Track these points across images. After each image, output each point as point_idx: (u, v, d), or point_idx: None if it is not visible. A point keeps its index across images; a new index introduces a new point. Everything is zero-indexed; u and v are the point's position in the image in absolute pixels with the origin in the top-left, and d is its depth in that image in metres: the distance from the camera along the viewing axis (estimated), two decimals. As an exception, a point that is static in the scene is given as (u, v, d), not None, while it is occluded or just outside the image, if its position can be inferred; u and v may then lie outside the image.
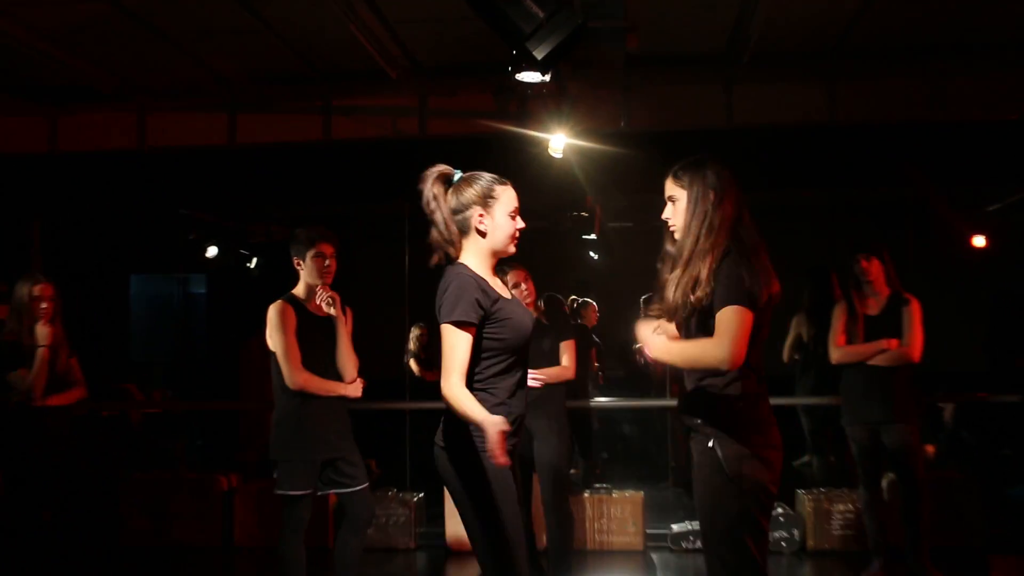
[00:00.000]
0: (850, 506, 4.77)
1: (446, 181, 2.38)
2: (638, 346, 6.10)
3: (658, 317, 2.35)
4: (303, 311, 3.34)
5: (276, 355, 3.28)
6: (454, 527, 4.85)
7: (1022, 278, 7.08)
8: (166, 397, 8.14)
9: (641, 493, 5.03)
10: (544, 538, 4.11)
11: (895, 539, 4.13)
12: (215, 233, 7.34)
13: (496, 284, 2.39)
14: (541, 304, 4.35)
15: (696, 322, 2.26)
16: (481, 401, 2.26)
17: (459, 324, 2.24)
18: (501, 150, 5.03)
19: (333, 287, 3.39)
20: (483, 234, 2.34)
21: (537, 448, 3.99)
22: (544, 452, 3.97)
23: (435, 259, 2.37)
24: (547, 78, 3.41)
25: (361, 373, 3.45)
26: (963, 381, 5.98)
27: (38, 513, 3.82)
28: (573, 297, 6.49)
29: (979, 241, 6.93)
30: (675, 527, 4.96)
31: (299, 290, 3.40)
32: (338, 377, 3.37)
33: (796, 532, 4.82)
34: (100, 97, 5.06)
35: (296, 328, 3.27)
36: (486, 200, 2.33)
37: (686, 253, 2.25)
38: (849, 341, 4.01)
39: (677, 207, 2.33)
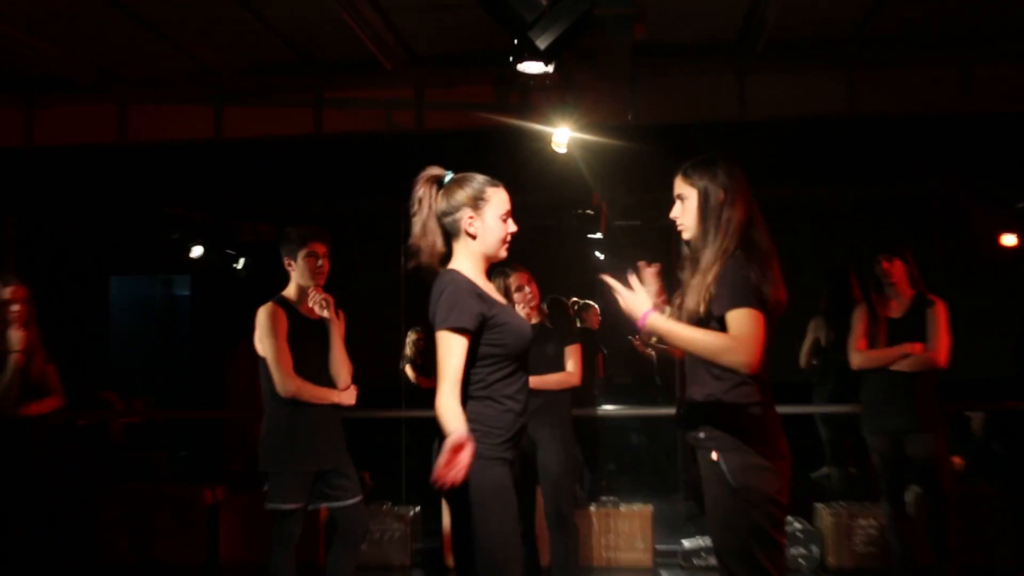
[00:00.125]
0: (872, 521, 4.78)
1: (437, 183, 2.43)
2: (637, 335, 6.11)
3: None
4: (295, 314, 3.36)
5: (266, 360, 3.29)
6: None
7: (1055, 278, 7.09)
8: (148, 405, 8.16)
9: (650, 507, 5.04)
10: (548, 554, 4.12)
11: (921, 557, 4.13)
12: (200, 232, 7.36)
13: (490, 289, 2.43)
14: (545, 307, 4.37)
15: (716, 329, 2.27)
16: (486, 409, 2.29)
17: (455, 330, 2.27)
18: (502, 145, 5.04)
19: (326, 289, 3.41)
20: (473, 236, 2.39)
21: (541, 458, 4.00)
22: (548, 463, 3.98)
23: (412, 264, 2.42)
24: (550, 69, 3.42)
25: (355, 380, 3.47)
26: (993, 388, 5.98)
27: (11, 530, 3.82)
28: (574, 299, 6.51)
29: (1009, 239, 6.93)
30: (686, 543, 4.97)
31: (290, 292, 3.42)
32: (331, 384, 3.39)
33: (815, 549, 4.83)
34: (78, 88, 5.07)
35: (288, 332, 3.29)
36: (476, 202, 2.38)
37: (703, 258, 2.29)
38: (870, 345, 4.01)
39: (686, 206, 2.38)
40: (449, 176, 2.44)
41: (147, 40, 4.54)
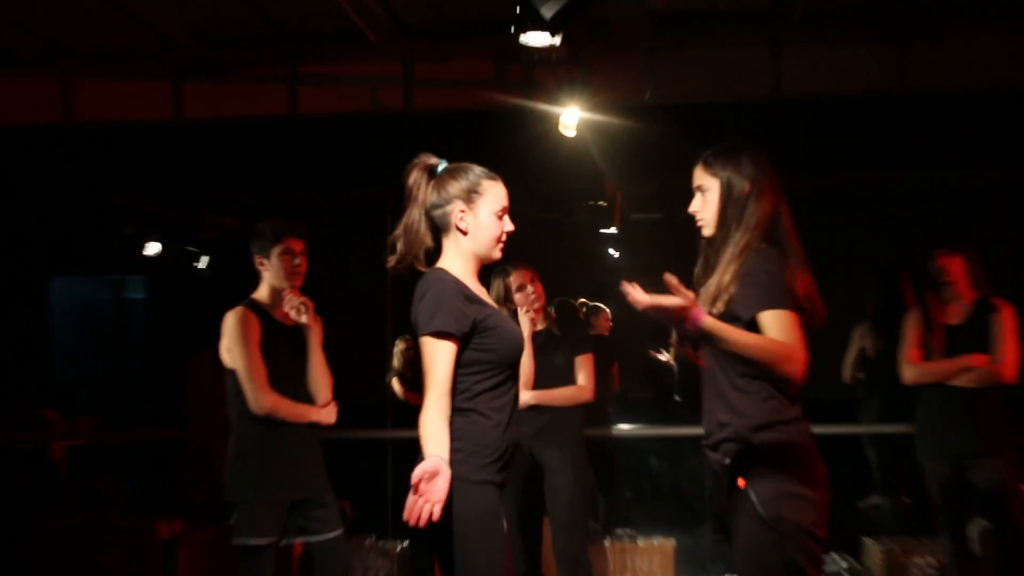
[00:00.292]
0: (930, 559, 4.77)
1: (429, 173, 2.47)
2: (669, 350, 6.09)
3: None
4: (268, 320, 3.38)
5: (236, 373, 3.30)
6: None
7: None
8: (94, 425, 8.17)
9: (672, 541, 5.05)
10: (556, 595, 4.14)
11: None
12: (156, 226, 7.37)
13: (482, 292, 2.48)
14: (552, 311, 4.37)
15: None
16: (472, 424, 2.32)
17: (439, 335, 2.30)
18: (502, 127, 5.06)
19: (303, 291, 3.43)
20: (464, 232, 2.43)
21: (548, 484, 4.01)
22: (557, 490, 3.99)
23: (391, 262, 2.45)
24: (557, 41, 3.44)
25: (335, 395, 3.49)
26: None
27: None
28: (583, 301, 6.52)
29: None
30: (714, 582, 4.99)
31: (262, 294, 3.43)
32: (309, 400, 3.40)
33: (862, 589, 4.85)
34: (18, 61, 5.09)
35: (261, 340, 3.30)
36: (469, 195, 2.42)
37: (723, 256, 2.31)
38: (926, 357, 4.02)
39: (707, 199, 2.40)
40: (443, 165, 2.48)
41: (97, 6, 4.55)
